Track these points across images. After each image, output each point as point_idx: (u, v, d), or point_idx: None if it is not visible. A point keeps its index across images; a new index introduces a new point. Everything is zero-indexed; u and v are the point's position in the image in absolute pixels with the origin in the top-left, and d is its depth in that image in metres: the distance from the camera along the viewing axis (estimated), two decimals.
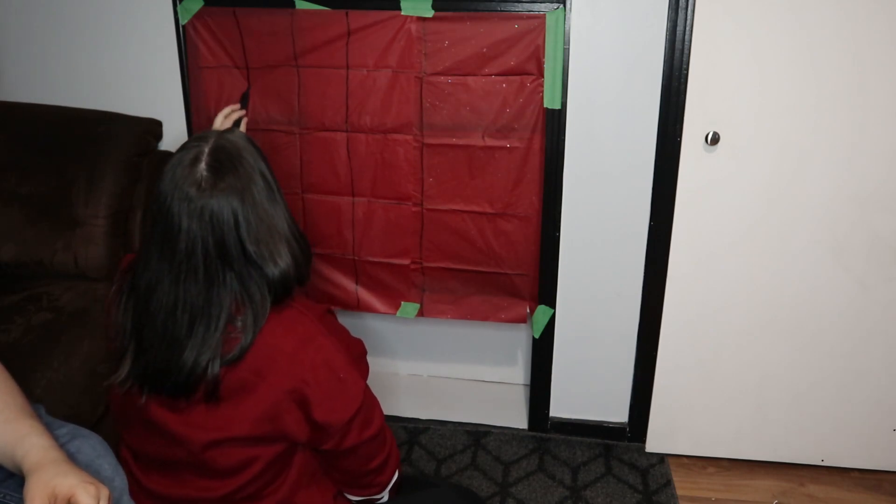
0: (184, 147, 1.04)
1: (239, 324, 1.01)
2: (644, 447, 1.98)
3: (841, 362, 1.80)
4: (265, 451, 1.06)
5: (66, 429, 1.02)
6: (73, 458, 0.96)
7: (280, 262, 1.05)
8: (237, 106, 1.72)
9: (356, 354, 1.14)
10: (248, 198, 1.02)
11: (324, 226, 1.93)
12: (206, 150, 1.02)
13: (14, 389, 0.97)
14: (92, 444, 1.00)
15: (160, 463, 1.10)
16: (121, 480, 1.00)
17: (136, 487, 1.10)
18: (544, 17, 1.66)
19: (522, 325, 2.07)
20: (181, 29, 1.83)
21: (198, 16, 1.80)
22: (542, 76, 1.70)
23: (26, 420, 0.91)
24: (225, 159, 1.02)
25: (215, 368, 0.99)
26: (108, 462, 0.99)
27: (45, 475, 0.82)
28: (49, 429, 0.95)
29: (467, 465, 1.91)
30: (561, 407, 2.03)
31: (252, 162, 1.05)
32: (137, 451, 1.12)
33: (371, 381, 1.16)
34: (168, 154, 1.90)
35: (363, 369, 1.15)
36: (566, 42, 1.67)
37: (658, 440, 1.96)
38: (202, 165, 1.00)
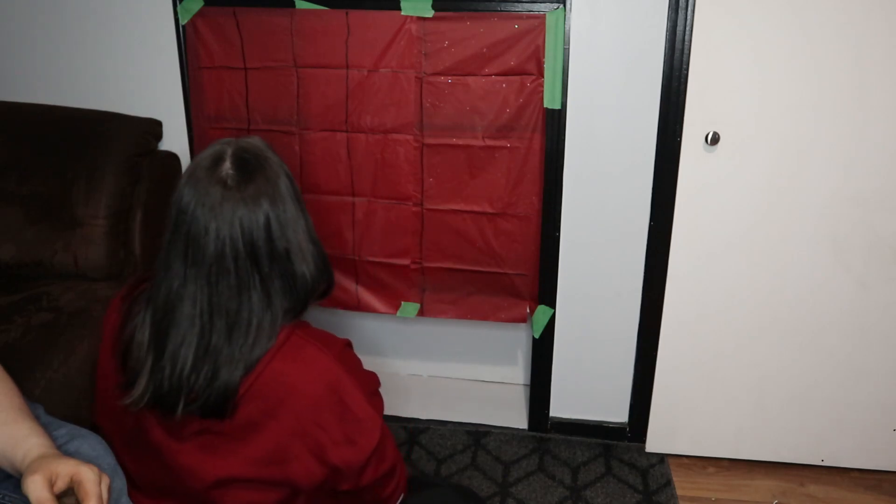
0: (202, 152, 1.01)
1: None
2: (644, 447, 1.98)
3: (841, 362, 1.80)
4: (268, 496, 1.02)
5: (66, 429, 1.02)
6: None
7: (310, 262, 1.03)
8: None
9: (371, 390, 1.10)
10: (278, 196, 0.99)
11: (324, 226, 1.92)
12: (230, 150, 0.99)
13: (12, 390, 0.97)
14: (91, 445, 1.00)
15: (160, 488, 1.07)
16: (119, 481, 1.00)
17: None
18: (544, 18, 1.66)
19: (522, 325, 2.07)
20: (181, 29, 1.83)
21: (198, 16, 1.80)
22: (542, 76, 1.70)
23: (25, 422, 0.91)
24: (251, 158, 0.99)
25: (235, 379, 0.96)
26: (106, 462, 0.99)
27: (45, 461, 0.83)
28: (48, 429, 0.95)
29: (467, 465, 1.91)
30: (561, 407, 2.03)
31: (276, 161, 1.03)
32: (136, 474, 1.09)
33: None
34: (169, 154, 1.90)
35: (377, 405, 1.10)
36: (566, 42, 1.67)
37: (658, 440, 1.96)
38: (227, 164, 0.97)
